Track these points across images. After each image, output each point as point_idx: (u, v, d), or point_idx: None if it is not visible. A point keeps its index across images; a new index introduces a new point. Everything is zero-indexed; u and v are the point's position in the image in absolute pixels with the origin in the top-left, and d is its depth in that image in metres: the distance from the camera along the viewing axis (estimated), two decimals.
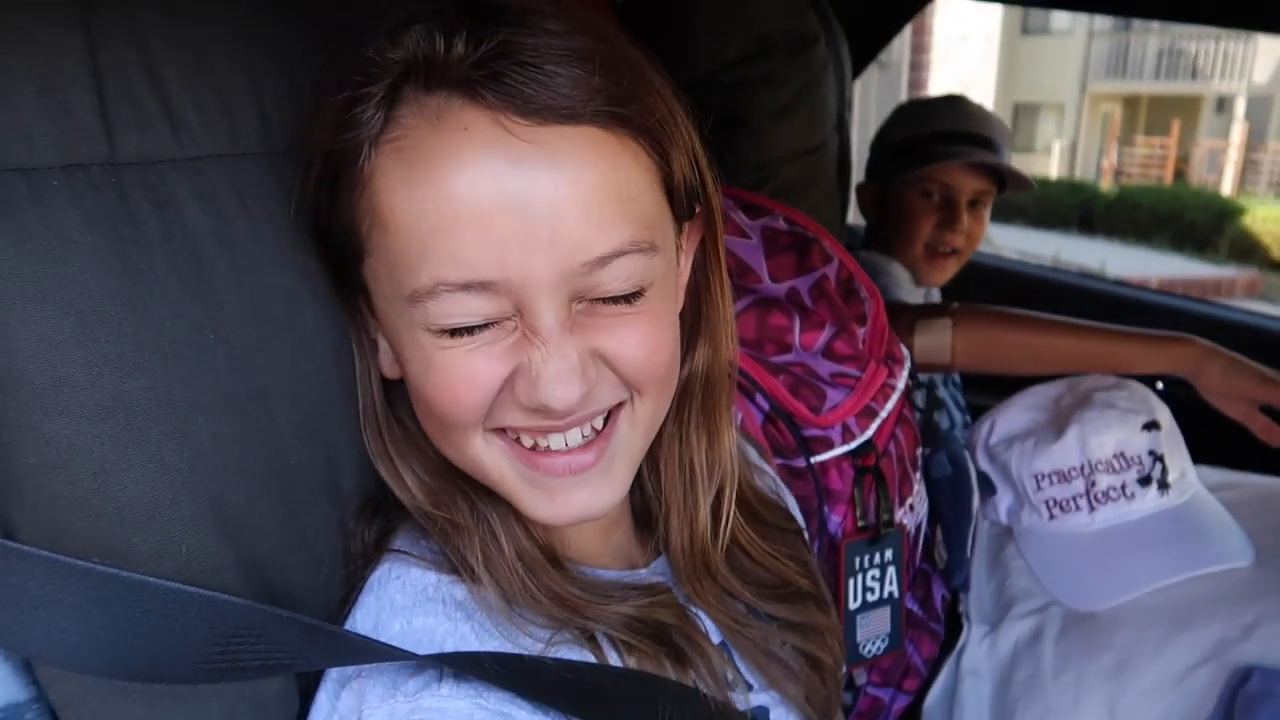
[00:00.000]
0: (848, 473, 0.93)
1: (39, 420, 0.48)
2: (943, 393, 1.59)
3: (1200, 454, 1.09)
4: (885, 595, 0.98)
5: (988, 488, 1.13)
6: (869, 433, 0.94)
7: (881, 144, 1.63)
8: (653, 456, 0.65)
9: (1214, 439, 1.14)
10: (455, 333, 0.51)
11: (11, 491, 0.49)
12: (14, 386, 0.48)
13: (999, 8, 13.81)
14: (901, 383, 1.00)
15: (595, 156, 0.49)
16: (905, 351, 1.04)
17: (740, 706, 0.63)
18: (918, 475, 1.05)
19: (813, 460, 0.91)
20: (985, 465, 1.13)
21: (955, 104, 1.59)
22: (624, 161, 0.50)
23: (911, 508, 1.02)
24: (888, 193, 1.57)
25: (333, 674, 0.55)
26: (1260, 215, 10.83)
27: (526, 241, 0.48)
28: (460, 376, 0.52)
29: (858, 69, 1.83)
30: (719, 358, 0.64)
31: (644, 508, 0.69)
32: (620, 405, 0.56)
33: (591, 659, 0.57)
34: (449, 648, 0.54)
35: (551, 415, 0.52)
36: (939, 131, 1.53)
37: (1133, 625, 0.94)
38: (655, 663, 0.58)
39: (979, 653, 1.01)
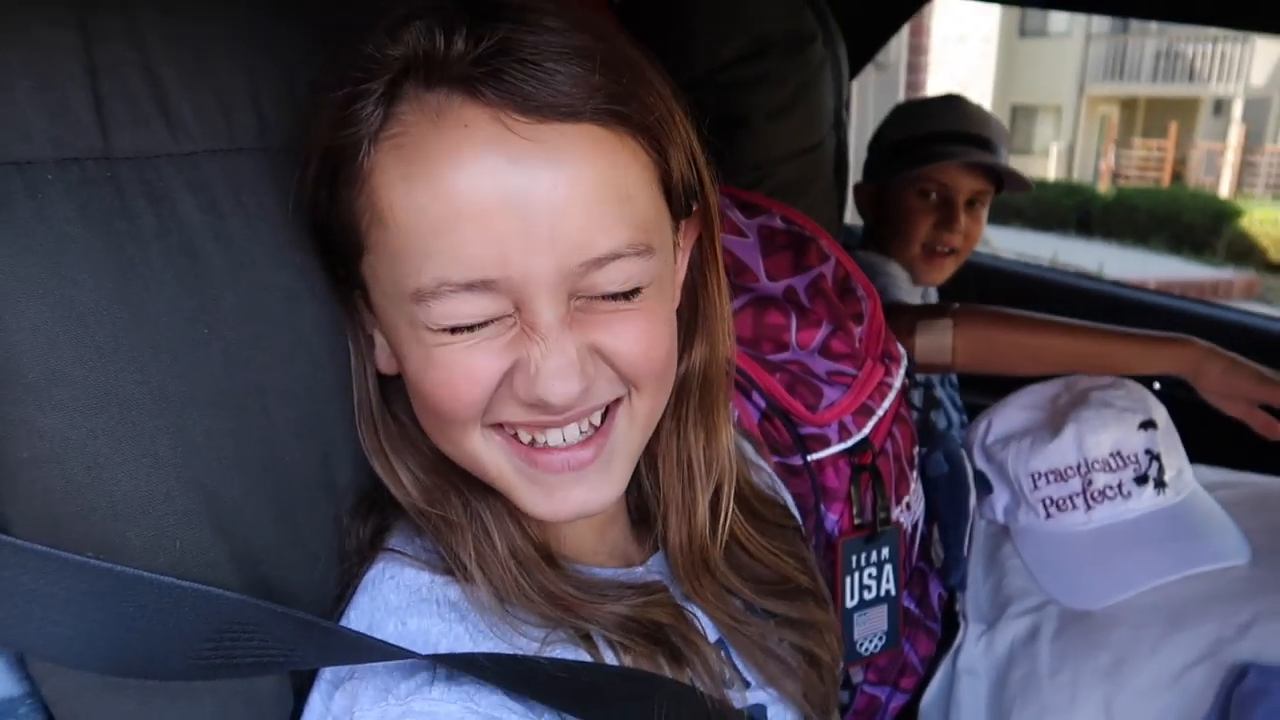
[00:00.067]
0: (844, 471, 0.93)
1: (33, 414, 0.48)
2: (940, 392, 1.59)
3: (1197, 453, 1.09)
4: (882, 593, 0.98)
5: (984, 486, 1.13)
6: (866, 431, 0.94)
7: (879, 144, 1.63)
8: (650, 453, 0.65)
9: (1211, 438, 1.14)
10: (455, 329, 0.51)
11: (5, 485, 0.49)
12: (8, 380, 0.48)
13: (997, 9, 13.84)
14: (898, 381, 1.00)
15: (595, 154, 0.49)
16: (902, 350, 1.04)
17: (737, 704, 0.63)
18: (914, 474, 1.05)
19: (809, 458, 0.91)
20: (982, 464, 1.13)
21: (953, 104, 1.59)
22: (623, 160, 0.51)
23: (908, 506, 1.02)
24: (885, 192, 1.57)
25: (326, 675, 0.55)
26: (1257, 217, 10.85)
27: (527, 239, 0.48)
28: (460, 372, 0.52)
29: (855, 69, 1.83)
30: (716, 355, 0.64)
31: (640, 505, 0.69)
32: (618, 401, 0.56)
33: (587, 659, 0.57)
34: (443, 649, 0.54)
35: (550, 410, 0.52)
36: (937, 131, 1.53)
37: (1129, 624, 0.94)
38: (651, 662, 0.58)
39: (975, 651, 1.01)
